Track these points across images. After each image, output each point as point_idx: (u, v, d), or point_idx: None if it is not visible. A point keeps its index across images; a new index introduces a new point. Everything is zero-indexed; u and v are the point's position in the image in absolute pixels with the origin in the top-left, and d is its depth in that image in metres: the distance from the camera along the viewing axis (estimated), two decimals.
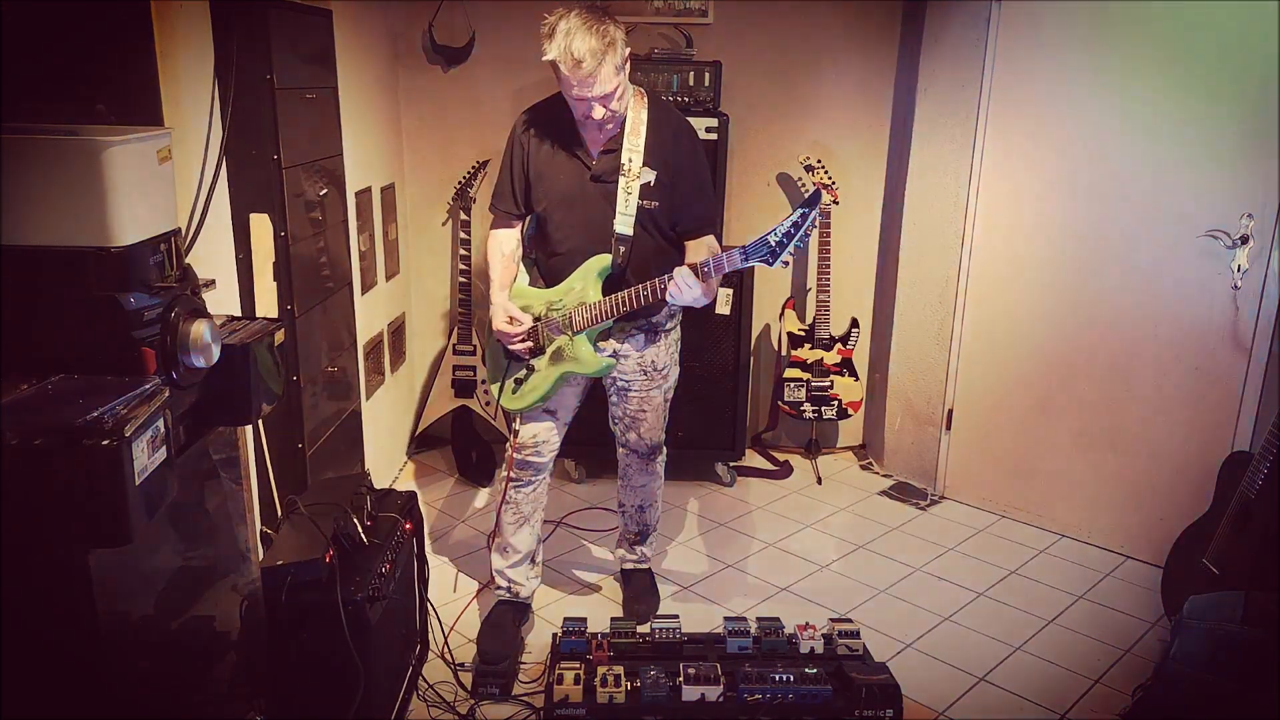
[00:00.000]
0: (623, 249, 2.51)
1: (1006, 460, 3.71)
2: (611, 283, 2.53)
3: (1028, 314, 3.55)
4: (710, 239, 2.60)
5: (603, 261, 2.51)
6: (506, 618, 2.78)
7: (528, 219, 2.69)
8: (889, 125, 3.98)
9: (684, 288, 2.34)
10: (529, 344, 2.60)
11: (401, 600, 2.41)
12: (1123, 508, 3.39)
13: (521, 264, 2.72)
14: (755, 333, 4.08)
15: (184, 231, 2.20)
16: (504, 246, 2.66)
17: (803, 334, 3.94)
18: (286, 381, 2.18)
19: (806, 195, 3.89)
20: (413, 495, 2.56)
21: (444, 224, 4.09)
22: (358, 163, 3.26)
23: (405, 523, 2.44)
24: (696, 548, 3.43)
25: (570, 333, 2.53)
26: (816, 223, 2.24)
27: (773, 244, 2.24)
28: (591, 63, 2.26)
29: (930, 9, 3.65)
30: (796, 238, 2.22)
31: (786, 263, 2.26)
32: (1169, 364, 3.20)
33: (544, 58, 2.31)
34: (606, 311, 2.48)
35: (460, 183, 3.90)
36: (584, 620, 2.61)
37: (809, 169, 3.83)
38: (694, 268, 2.34)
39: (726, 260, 2.31)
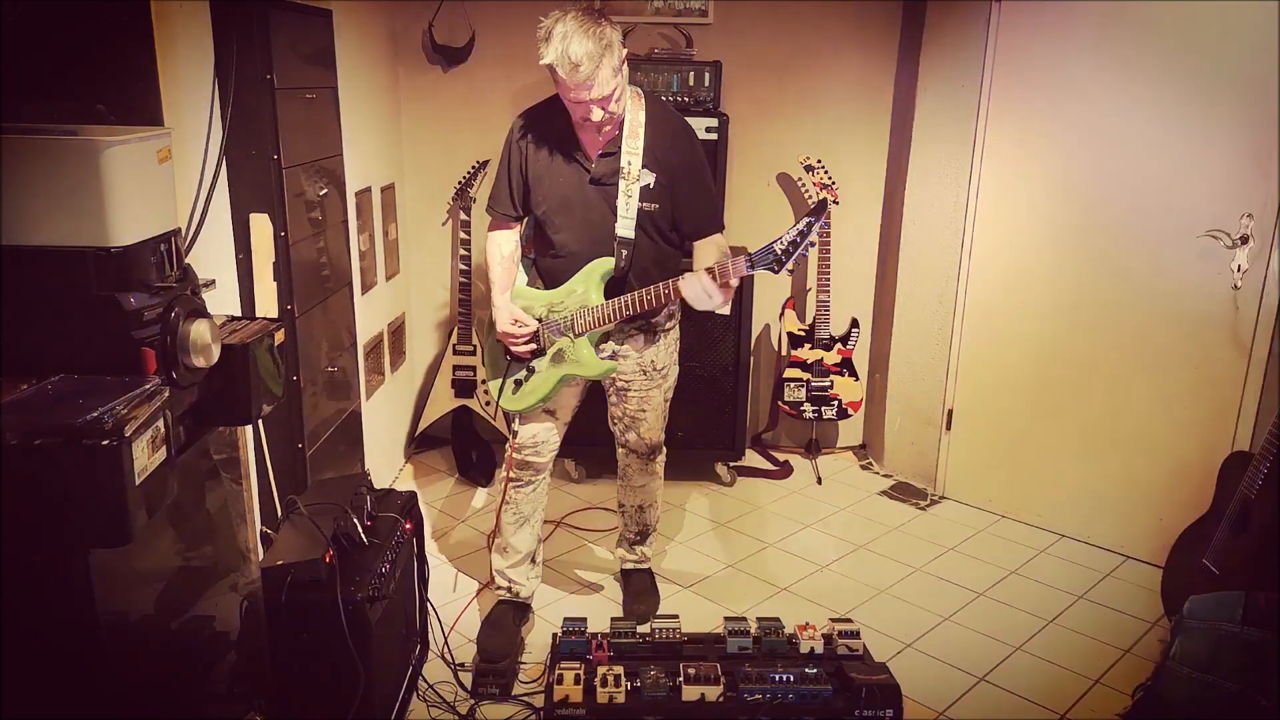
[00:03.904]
0: (624, 252, 2.51)
1: (1006, 460, 3.71)
2: (613, 285, 2.53)
3: (1028, 314, 3.55)
4: (718, 238, 2.59)
5: (605, 264, 2.51)
6: (506, 618, 2.78)
7: (525, 220, 2.69)
8: (889, 125, 3.98)
9: (706, 294, 2.32)
10: (532, 346, 2.60)
11: (401, 600, 2.41)
12: (1123, 508, 3.39)
13: (520, 264, 2.72)
14: (755, 333, 4.08)
15: (184, 231, 2.20)
16: (503, 249, 2.66)
17: (803, 334, 3.94)
18: (286, 381, 2.18)
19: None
20: (413, 495, 2.56)
21: (444, 224, 4.10)
22: (358, 163, 3.26)
23: (405, 523, 2.44)
24: (696, 548, 3.43)
25: (573, 335, 2.53)
26: (820, 231, 2.26)
27: (778, 252, 2.25)
28: (589, 66, 2.26)
29: (930, 9, 3.65)
30: (802, 246, 2.23)
31: (792, 270, 2.28)
32: (1169, 364, 3.20)
33: (541, 61, 2.30)
34: (610, 314, 2.48)
35: (460, 183, 3.90)
36: (584, 620, 2.61)
37: (809, 169, 3.83)
38: (721, 269, 2.32)
39: (733, 267, 2.31)
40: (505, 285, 2.64)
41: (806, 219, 2.23)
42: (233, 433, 2.19)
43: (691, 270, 2.42)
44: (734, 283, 2.33)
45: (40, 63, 1.86)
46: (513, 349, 2.62)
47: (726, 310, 3.72)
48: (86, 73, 1.95)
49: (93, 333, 1.64)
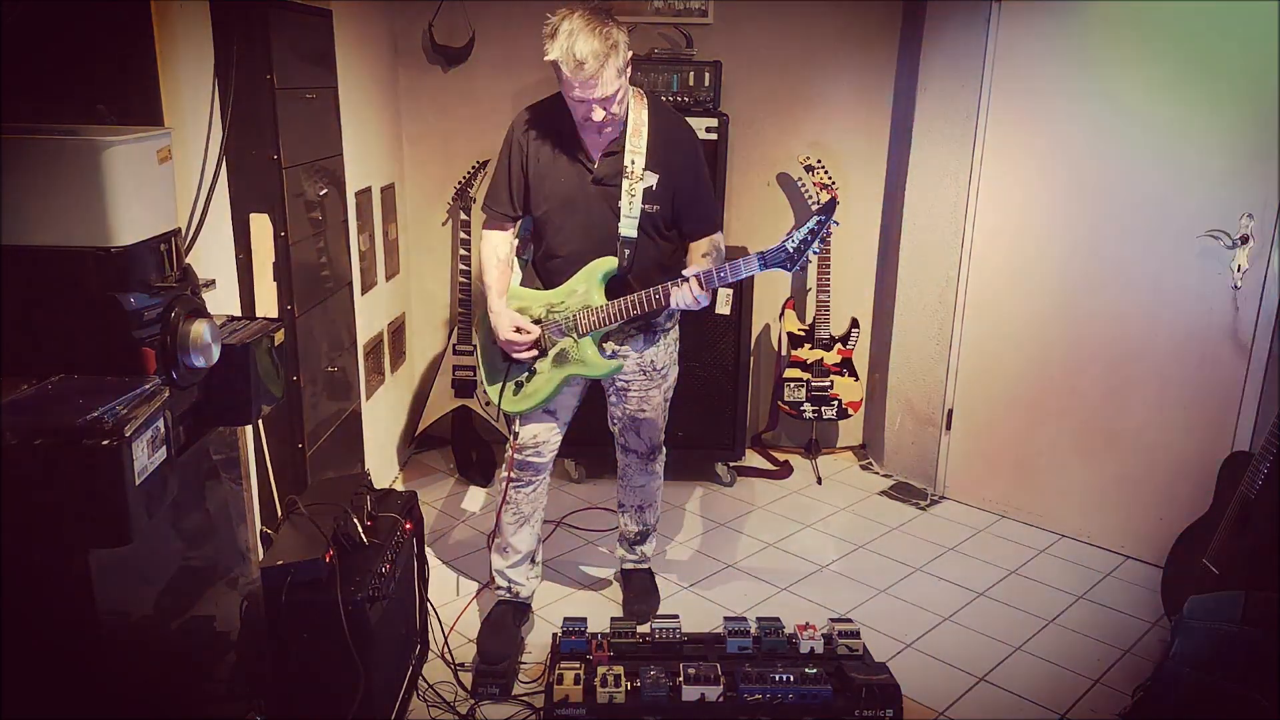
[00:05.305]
0: (627, 251, 2.50)
1: (1006, 460, 3.71)
2: (613, 285, 2.52)
3: (1028, 314, 3.55)
4: (716, 237, 2.59)
5: (608, 264, 2.51)
6: (506, 618, 2.78)
7: (520, 221, 2.67)
8: (889, 125, 3.98)
9: (693, 296, 2.33)
10: (534, 352, 2.60)
11: (401, 600, 2.41)
12: (1123, 508, 3.39)
13: (516, 262, 2.72)
14: (755, 333, 4.08)
15: (184, 231, 2.20)
16: (499, 251, 2.65)
17: (803, 334, 3.94)
18: (286, 382, 2.18)
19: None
20: (413, 495, 2.56)
21: (444, 224, 4.09)
22: (358, 163, 3.26)
23: (405, 523, 2.44)
24: (696, 548, 3.43)
25: (576, 335, 2.53)
26: (830, 230, 2.29)
27: (790, 250, 2.27)
28: (594, 64, 2.26)
29: (930, 9, 3.65)
30: (813, 244, 2.26)
31: (803, 268, 2.30)
32: (1169, 364, 3.20)
33: (546, 58, 2.30)
34: (615, 314, 2.47)
35: (460, 183, 3.90)
36: (584, 620, 2.61)
37: (809, 169, 3.83)
38: (706, 276, 2.33)
39: (744, 266, 2.31)
40: (502, 290, 2.63)
41: (818, 217, 2.26)
42: (233, 433, 2.19)
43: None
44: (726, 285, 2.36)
45: (40, 63, 1.86)
46: (514, 355, 2.61)
47: (726, 310, 3.75)
48: (86, 73, 1.95)
49: (93, 333, 1.64)
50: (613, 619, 2.66)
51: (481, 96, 3.92)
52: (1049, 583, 3.24)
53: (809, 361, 3.93)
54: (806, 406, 3.96)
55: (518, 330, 2.57)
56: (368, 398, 3.43)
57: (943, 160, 3.69)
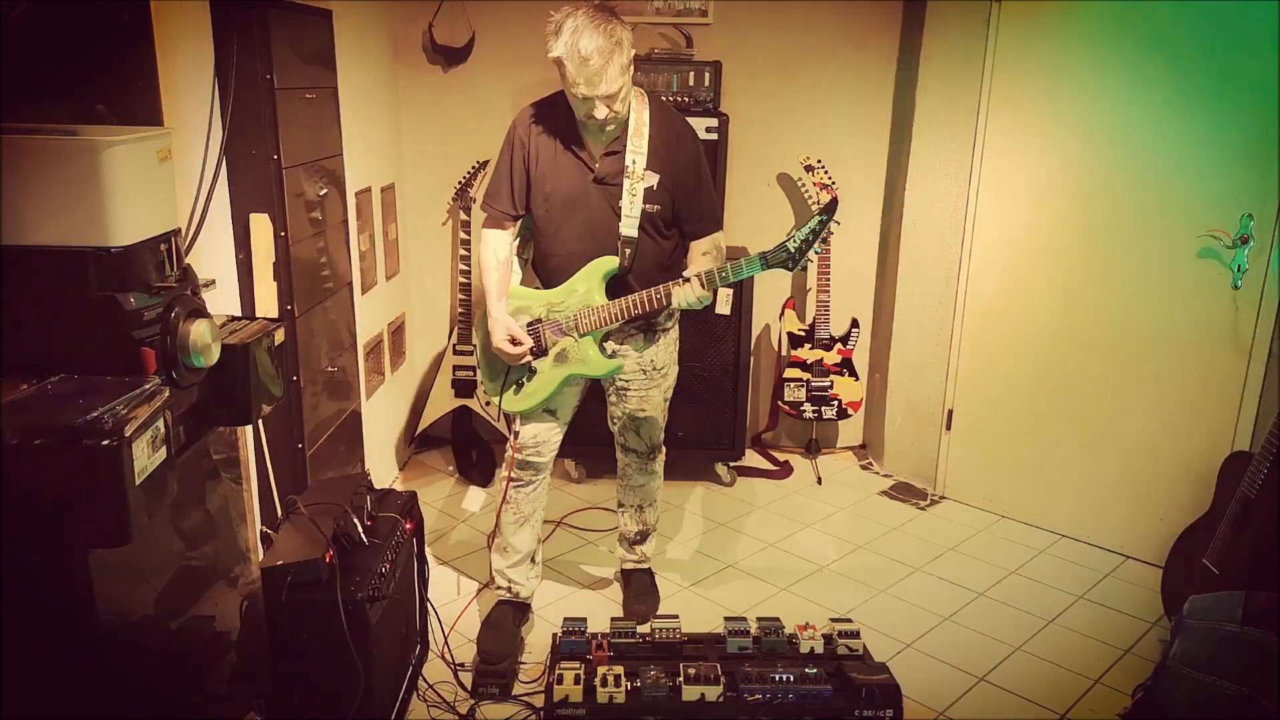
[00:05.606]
0: (628, 251, 2.50)
1: (1006, 460, 3.71)
2: (613, 285, 2.52)
3: (1027, 314, 3.55)
4: (717, 236, 2.60)
5: (609, 264, 2.51)
6: (506, 618, 2.78)
7: (519, 221, 2.67)
8: (889, 125, 3.98)
9: (696, 296, 2.35)
10: (528, 360, 2.60)
11: (401, 600, 2.41)
12: (1123, 508, 3.39)
13: (515, 260, 2.72)
14: (755, 333, 4.08)
15: (184, 231, 2.20)
16: (498, 252, 2.64)
17: (803, 334, 3.94)
18: (286, 382, 2.18)
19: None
20: (413, 495, 2.56)
21: (444, 224, 4.09)
22: (358, 163, 3.26)
23: (405, 523, 2.44)
24: (696, 548, 3.43)
25: (577, 335, 2.53)
26: (831, 230, 2.32)
27: (791, 250, 2.30)
28: (599, 60, 2.26)
29: (930, 9, 3.65)
30: (814, 244, 2.29)
31: (804, 267, 2.32)
32: (1169, 364, 3.20)
33: (550, 54, 2.30)
34: (616, 314, 2.47)
35: (460, 183, 3.91)
36: (584, 620, 2.61)
37: (809, 169, 3.83)
38: (708, 276, 2.34)
39: (746, 265, 2.33)
40: (501, 293, 2.63)
41: (819, 217, 2.29)
42: (233, 433, 2.19)
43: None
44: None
45: (40, 63, 1.86)
46: (507, 361, 2.61)
47: (726, 310, 3.75)
48: (86, 73, 1.95)
49: (93, 333, 1.64)
50: (613, 619, 2.66)
51: (481, 96, 3.92)
52: (1049, 583, 3.24)
53: (809, 361, 3.93)
54: (806, 406, 3.96)
55: (512, 341, 2.56)
56: (368, 398, 3.43)
57: (943, 160, 3.69)
